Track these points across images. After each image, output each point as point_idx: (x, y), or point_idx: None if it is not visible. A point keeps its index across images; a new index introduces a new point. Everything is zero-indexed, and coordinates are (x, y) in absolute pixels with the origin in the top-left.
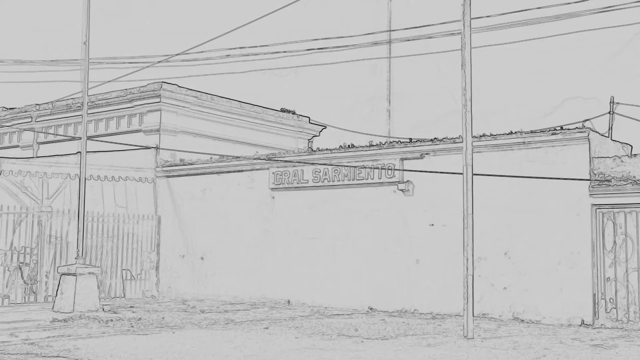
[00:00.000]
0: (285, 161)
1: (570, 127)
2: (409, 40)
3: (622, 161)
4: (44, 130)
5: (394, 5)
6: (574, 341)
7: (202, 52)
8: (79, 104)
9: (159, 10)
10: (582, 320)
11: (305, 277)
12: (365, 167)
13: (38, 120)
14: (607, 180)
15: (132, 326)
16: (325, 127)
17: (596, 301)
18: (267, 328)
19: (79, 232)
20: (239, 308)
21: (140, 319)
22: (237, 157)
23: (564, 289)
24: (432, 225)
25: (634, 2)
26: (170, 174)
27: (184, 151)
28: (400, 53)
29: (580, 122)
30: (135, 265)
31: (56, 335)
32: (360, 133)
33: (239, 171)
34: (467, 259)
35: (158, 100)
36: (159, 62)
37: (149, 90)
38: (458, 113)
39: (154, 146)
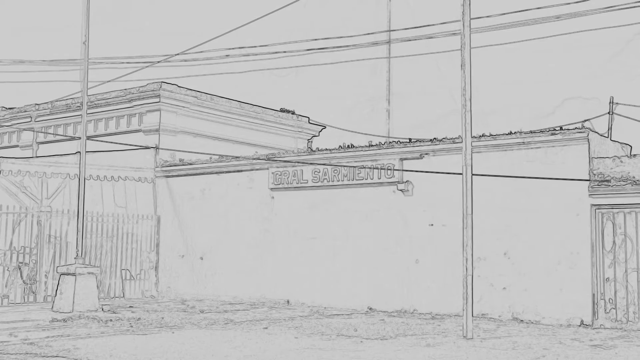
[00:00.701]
0: (285, 161)
1: (570, 127)
2: (409, 40)
3: (621, 161)
4: (43, 130)
5: (394, 5)
6: (573, 341)
7: (201, 52)
8: (79, 104)
9: (159, 10)
10: (582, 321)
11: (304, 277)
12: (364, 167)
13: (37, 120)
14: (606, 180)
15: (132, 326)
16: (325, 127)
17: (595, 301)
18: (266, 328)
19: (78, 232)
20: (238, 308)
21: (139, 318)
22: (237, 157)
23: (564, 289)
24: (432, 225)
25: (634, 2)
26: (170, 174)
27: (183, 151)
28: (400, 53)
29: (580, 122)
30: (135, 265)
31: (55, 335)
32: (359, 133)
33: (238, 171)
34: (467, 259)
35: (157, 100)
36: (158, 62)
37: (148, 90)
38: (458, 113)
39: (154, 146)
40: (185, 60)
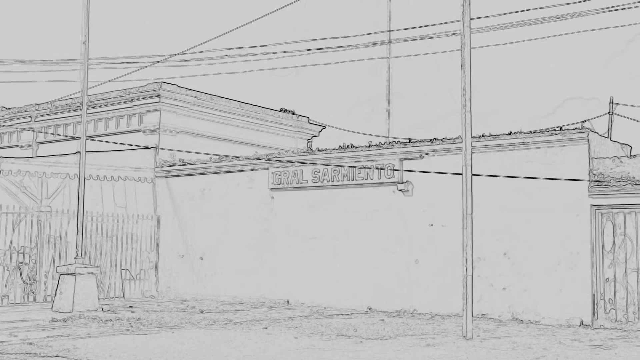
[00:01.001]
0: (285, 161)
1: (570, 127)
2: (409, 40)
3: (621, 162)
4: (43, 130)
5: (394, 5)
6: (573, 342)
7: (202, 52)
8: (79, 104)
9: (159, 10)
10: (581, 321)
11: (304, 277)
12: (364, 167)
13: (37, 120)
14: (606, 180)
15: (131, 326)
16: (325, 127)
17: (595, 302)
18: (266, 328)
19: (78, 231)
20: (238, 308)
21: (139, 318)
22: (237, 157)
23: (563, 289)
24: (432, 225)
25: (635, 2)
26: (170, 174)
27: (183, 151)
28: (400, 53)
29: (580, 122)
30: (135, 265)
31: (55, 335)
32: (359, 133)
33: (238, 171)
34: (467, 259)
35: (157, 100)
36: (158, 62)
37: (148, 90)
38: (458, 113)
39: (154, 146)
40: (185, 60)
